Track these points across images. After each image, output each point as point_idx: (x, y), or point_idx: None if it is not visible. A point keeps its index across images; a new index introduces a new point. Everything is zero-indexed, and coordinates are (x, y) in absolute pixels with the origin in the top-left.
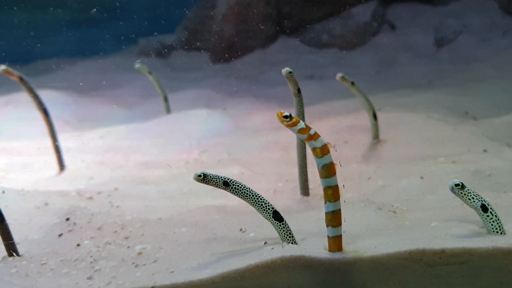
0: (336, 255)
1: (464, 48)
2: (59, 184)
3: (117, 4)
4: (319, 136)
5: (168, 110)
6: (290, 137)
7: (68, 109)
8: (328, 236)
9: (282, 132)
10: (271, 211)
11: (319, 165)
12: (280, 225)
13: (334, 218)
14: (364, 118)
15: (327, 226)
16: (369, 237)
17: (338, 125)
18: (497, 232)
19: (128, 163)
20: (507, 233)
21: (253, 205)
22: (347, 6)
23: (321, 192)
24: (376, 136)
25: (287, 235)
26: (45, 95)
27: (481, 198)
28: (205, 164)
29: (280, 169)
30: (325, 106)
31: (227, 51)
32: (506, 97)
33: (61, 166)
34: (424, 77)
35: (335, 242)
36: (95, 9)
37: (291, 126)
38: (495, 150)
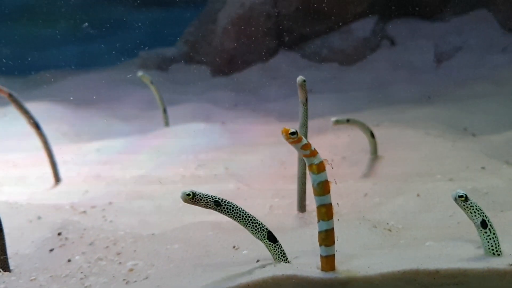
0: (329, 275)
1: (464, 64)
2: (53, 197)
3: (119, 17)
4: (317, 153)
5: (166, 123)
6: (287, 152)
7: (66, 122)
8: (321, 255)
9: (280, 147)
10: (265, 232)
11: (315, 182)
12: (273, 246)
13: (327, 237)
14: (363, 134)
15: (320, 245)
16: (363, 256)
17: (336, 140)
18: (493, 251)
19: (124, 176)
20: (503, 254)
21: (245, 226)
22: (347, 21)
23: None
24: (374, 152)
25: (280, 255)
26: (43, 107)
27: (483, 213)
28: (202, 179)
29: (277, 184)
30: (324, 121)
31: (227, 65)
32: (505, 114)
33: (57, 179)
34: (423, 93)
35: (328, 262)
36: (86, 24)
37: (296, 142)
38: (494, 167)
